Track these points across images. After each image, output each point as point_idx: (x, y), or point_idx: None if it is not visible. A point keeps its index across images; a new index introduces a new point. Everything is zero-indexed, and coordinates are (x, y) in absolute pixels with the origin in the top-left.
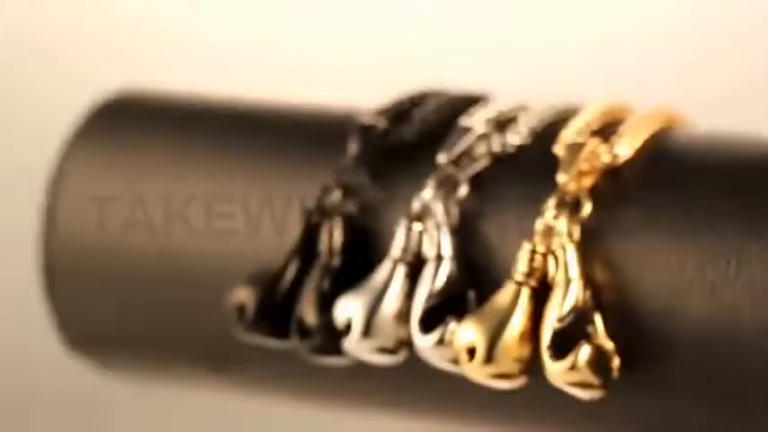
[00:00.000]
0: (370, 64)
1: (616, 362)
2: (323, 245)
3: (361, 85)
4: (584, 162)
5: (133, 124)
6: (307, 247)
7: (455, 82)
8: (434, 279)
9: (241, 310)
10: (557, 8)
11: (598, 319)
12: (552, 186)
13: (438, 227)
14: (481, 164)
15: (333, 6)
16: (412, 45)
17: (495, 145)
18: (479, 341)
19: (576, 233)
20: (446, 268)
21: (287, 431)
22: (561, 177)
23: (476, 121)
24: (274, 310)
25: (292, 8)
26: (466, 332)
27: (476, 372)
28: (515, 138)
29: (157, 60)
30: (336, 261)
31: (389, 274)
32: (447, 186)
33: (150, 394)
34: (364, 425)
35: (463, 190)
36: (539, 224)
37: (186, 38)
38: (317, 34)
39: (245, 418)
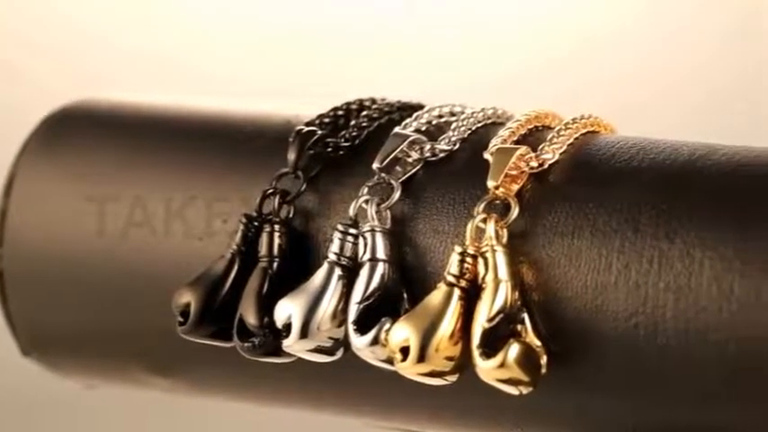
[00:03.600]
0: (317, 75)
1: (544, 359)
2: (262, 249)
3: (307, 95)
4: (512, 167)
5: (85, 133)
6: (247, 251)
7: (395, 90)
8: (369, 281)
9: (185, 312)
10: (491, 23)
11: (526, 318)
12: (482, 191)
13: (372, 231)
14: (413, 170)
15: (281, 13)
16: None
17: (427, 151)
18: (412, 340)
19: (505, 236)
20: (380, 270)
21: None
22: (490, 182)
23: (409, 127)
24: (217, 312)
25: (245, 17)
26: (399, 332)
27: (409, 370)
28: (446, 144)
29: (110, 70)
30: (275, 265)
31: (326, 276)
32: (381, 191)
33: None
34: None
35: (396, 195)
36: (469, 227)
37: (137, 47)
38: (269, 43)
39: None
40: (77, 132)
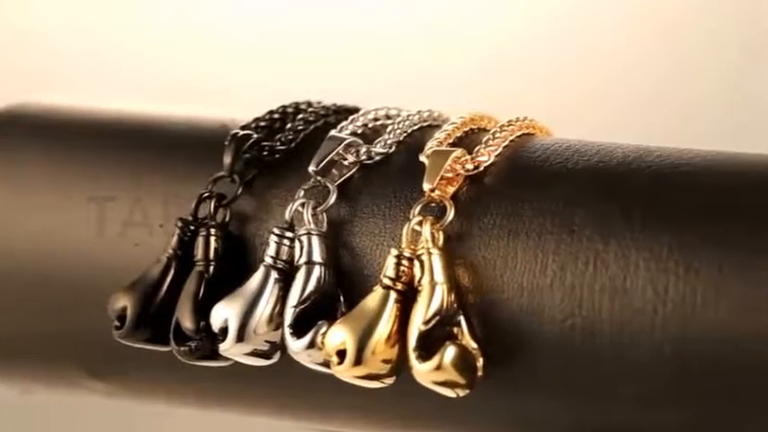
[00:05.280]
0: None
1: (480, 361)
2: (198, 253)
3: (245, 99)
4: (447, 170)
5: (14, 138)
6: (183, 255)
7: (324, 94)
8: (305, 284)
9: (121, 316)
10: (429, 26)
11: (463, 320)
12: (418, 193)
13: (308, 234)
14: (349, 172)
15: (218, 18)
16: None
17: (363, 154)
18: (349, 344)
19: (441, 238)
20: (316, 274)
21: None
22: (426, 184)
23: (345, 130)
24: (153, 316)
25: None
26: (336, 335)
27: (346, 373)
28: (382, 147)
29: (50, 73)
30: (211, 268)
31: (262, 280)
32: (316, 195)
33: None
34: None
35: (332, 198)
36: (405, 230)
37: (79, 51)
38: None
39: None
40: (7, 137)
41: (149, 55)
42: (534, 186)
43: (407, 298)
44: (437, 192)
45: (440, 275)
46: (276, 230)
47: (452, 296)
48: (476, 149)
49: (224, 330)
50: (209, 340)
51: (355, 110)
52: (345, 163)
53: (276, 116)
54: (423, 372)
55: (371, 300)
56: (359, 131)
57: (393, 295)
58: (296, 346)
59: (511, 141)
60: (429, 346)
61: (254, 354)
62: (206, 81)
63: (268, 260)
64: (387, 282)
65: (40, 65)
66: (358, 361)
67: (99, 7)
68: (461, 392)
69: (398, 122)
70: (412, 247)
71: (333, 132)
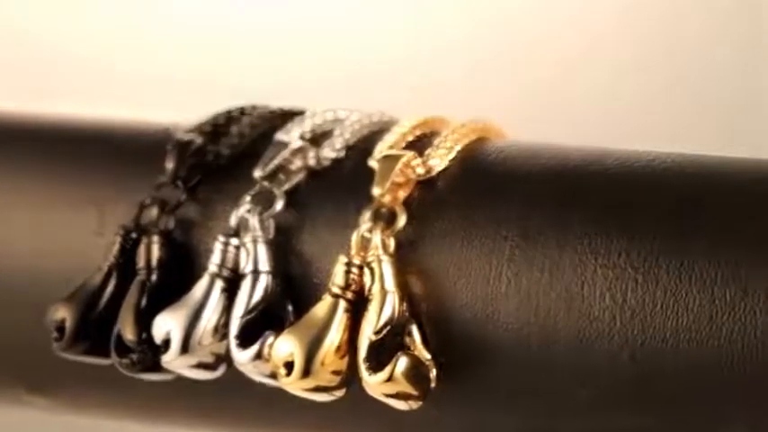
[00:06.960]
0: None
1: (433, 372)
2: (141, 261)
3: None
4: (398, 174)
5: None
6: (125, 264)
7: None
8: (251, 293)
9: (60, 328)
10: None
11: (415, 330)
12: (368, 199)
13: (255, 241)
14: (297, 178)
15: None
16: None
17: (311, 159)
18: (297, 355)
19: (392, 245)
20: (263, 283)
21: None
22: (376, 190)
23: (292, 135)
24: (94, 328)
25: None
26: (283, 346)
27: (294, 385)
28: (331, 151)
29: (49, 74)
30: (154, 277)
31: (207, 289)
32: (263, 201)
33: None
34: None
35: (279, 204)
36: (354, 237)
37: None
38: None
39: None
40: None
41: (147, 56)
42: (488, 191)
43: (358, 307)
44: (387, 197)
45: (391, 283)
46: (221, 237)
47: (404, 305)
48: (427, 153)
49: (167, 342)
50: (151, 352)
51: (302, 112)
52: (293, 168)
53: (221, 120)
54: (373, 384)
55: (320, 309)
56: (307, 135)
57: (342, 304)
58: (242, 357)
59: (464, 145)
60: (380, 356)
61: (199, 366)
62: (204, 81)
63: (213, 268)
64: (336, 290)
65: (38, 66)
66: (306, 373)
67: (97, 8)
68: (414, 404)
69: (347, 125)
70: (362, 254)
71: (279, 137)
